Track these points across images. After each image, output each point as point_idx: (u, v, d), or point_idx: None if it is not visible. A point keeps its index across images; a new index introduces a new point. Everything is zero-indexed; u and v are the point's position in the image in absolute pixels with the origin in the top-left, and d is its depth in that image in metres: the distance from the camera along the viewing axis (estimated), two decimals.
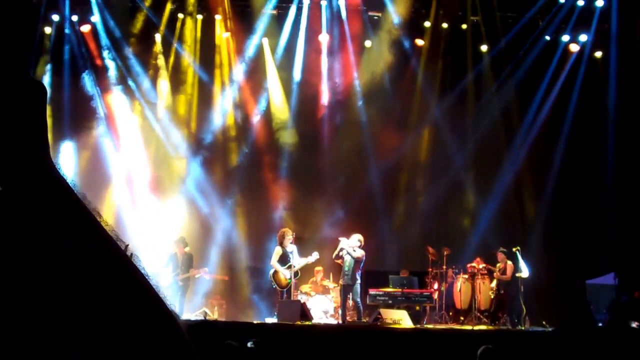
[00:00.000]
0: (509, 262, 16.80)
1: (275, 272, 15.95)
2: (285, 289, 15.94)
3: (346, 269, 15.73)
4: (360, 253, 15.67)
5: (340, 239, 16.00)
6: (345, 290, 15.79)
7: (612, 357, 11.70)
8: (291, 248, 16.00)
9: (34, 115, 1.20)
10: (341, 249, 15.81)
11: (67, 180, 1.21)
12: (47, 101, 1.25)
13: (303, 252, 16.28)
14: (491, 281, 17.14)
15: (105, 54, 19.39)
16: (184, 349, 1.18)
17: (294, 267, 15.86)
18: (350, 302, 16.01)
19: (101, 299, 1.12)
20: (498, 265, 17.07)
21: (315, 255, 16.16)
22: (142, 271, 1.20)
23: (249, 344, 9.49)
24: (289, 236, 16.03)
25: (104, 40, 19.34)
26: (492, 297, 17.01)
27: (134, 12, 19.37)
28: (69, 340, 1.09)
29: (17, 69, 1.20)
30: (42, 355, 1.09)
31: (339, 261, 15.94)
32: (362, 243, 15.87)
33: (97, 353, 1.10)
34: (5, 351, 1.08)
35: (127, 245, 1.23)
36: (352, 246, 15.79)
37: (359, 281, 15.77)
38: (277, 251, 16.06)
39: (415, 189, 20.13)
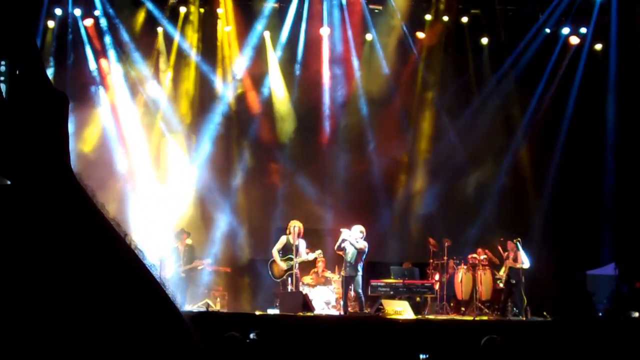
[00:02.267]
0: (522, 251, 16.84)
1: (273, 261, 16.06)
2: (279, 279, 16.08)
3: (348, 259, 15.79)
4: (363, 244, 15.71)
5: (342, 230, 16.06)
6: (347, 281, 15.83)
7: (611, 346, 11.80)
8: (297, 242, 16.09)
9: (55, 123, 1.24)
10: (343, 240, 15.87)
11: (85, 188, 1.24)
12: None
13: (306, 245, 16.42)
14: (494, 273, 17.19)
15: (108, 47, 19.44)
16: (188, 341, 1.20)
17: (292, 259, 15.95)
18: (352, 293, 16.10)
19: (104, 296, 1.15)
20: (506, 253, 17.11)
21: (317, 253, 16.29)
22: (146, 264, 1.23)
23: (252, 335, 9.59)
24: (292, 228, 16.10)
25: (107, 33, 19.37)
26: (503, 286, 17.00)
27: (137, 6, 19.40)
28: (70, 339, 1.11)
29: (38, 78, 1.23)
30: (44, 355, 1.11)
31: (341, 252, 16.01)
32: (364, 234, 15.94)
33: (101, 350, 1.12)
34: (7, 352, 1.10)
35: (127, 234, 1.25)
36: (354, 237, 15.86)
37: (360, 272, 15.81)
38: (281, 240, 16.16)
39: (417, 180, 20.16)
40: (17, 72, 1.23)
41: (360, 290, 15.82)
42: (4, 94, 1.21)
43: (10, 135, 1.19)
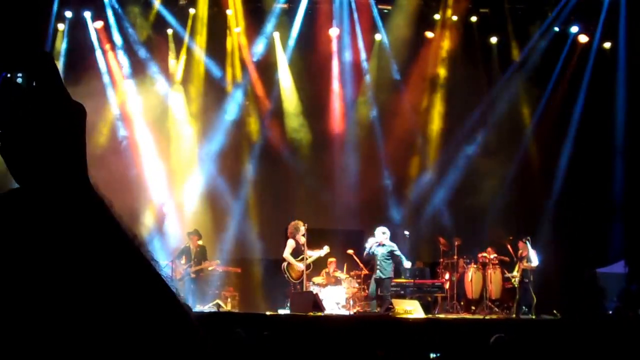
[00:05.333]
0: (531, 250, 16.82)
1: (289, 264, 16.05)
2: (297, 281, 16.09)
3: (378, 262, 16.16)
4: (387, 248, 16.18)
5: (369, 240, 16.36)
6: (377, 283, 16.22)
7: (620, 344, 11.80)
8: (302, 240, 16.13)
9: (72, 134, 1.30)
10: (370, 247, 16.21)
11: (102, 197, 1.29)
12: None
13: (314, 245, 16.41)
14: (504, 272, 17.17)
15: (118, 49, 19.51)
16: (197, 340, 1.25)
17: (307, 259, 15.99)
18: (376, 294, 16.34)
19: (118, 298, 1.19)
20: (519, 252, 17.08)
21: (325, 249, 16.33)
22: (160, 273, 1.27)
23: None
24: (302, 228, 16.14)
25: (117, 35, 19.45)
26: (517, 286, 16.95)
27: (146, 8, 19.46)
28: (81, 338, 1.15)
29: (56, 90, 1.30)
30: (54, 353, 1.14)
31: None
32: (388, 234, 16.26)
33: (113, 349, 1.15)
34: (15, 351, 1.14)
35: (142, 244, 1.29)
36: (378, 241, 16.15)
37: (390, 275, 16.23)
38: (290, 244, 16.14)
39: (426, 179, 20.17)
40: (35, 84, 1.28)
41: (387, 293, 16.09)
42: (23, 105, 1.26)
43: (28, 145, 1.24)
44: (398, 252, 16.29)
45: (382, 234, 16.19)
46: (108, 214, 1.29)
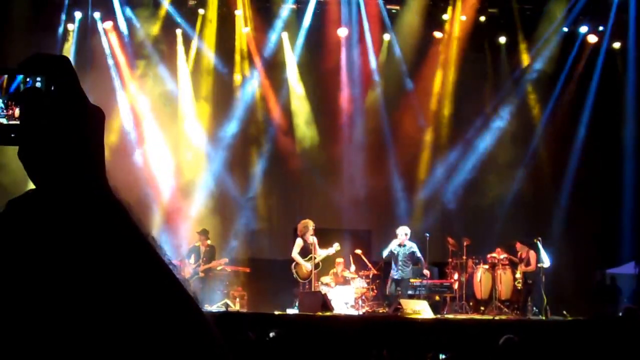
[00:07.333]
0: (531, 251, 16.78)
1: (297, 264, 16.06)
2: (306, 281, 16.10)
3: (399, 262, 16.37)
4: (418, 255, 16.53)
5: (393, 241, 16.43)
6: (396, 283, 16.43)
7: (630, 346, 11.75)
8: (312, 239, 16.14)
9: (91, 137, 1.29)
10: (394, 245, 16.34)
11: (120, 200, 1.29)
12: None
13: (323, 244, 16.41)
14: (514, 272, 17.13)
15: (128, 49, 19.57)
16: (213, 342, 1.25)
17: (315, 258, 16.00)
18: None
19: (132, 299, 1.18)
20: (518, 254, 17.08)
21: (335, 247, 16.31)
22: (177, 277, 1.26)
23: (271, 335, 9.63)
24: (310, 228, 16.15)
25: (126, 35, 19.50)
26: (520, 287, 16.95)
27: (156, 8, 19.50)
28: (96, 340, 1.14)
29: (74, 93, 1.29)
30: (70, 354, 1.14)
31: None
32: (408, 235, 16.47)
33: (128, 350, 1.15)
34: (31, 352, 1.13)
35: (154, 238, 1.28)
36: (400, 241, 16.29)
37: (409, 275, 16.44)
38: (298, 243, 16.16)
39: (435, 179, 20.17)
40: (53, 88, 1.29)
41: (406, 293, 16.29)
42: (41, 108, 1.27)
43: (47, 148, 1.24)
44: (419, 254, 16.40)
45: (404, 234, 16.26)
46: (126, 216, 1.29)
